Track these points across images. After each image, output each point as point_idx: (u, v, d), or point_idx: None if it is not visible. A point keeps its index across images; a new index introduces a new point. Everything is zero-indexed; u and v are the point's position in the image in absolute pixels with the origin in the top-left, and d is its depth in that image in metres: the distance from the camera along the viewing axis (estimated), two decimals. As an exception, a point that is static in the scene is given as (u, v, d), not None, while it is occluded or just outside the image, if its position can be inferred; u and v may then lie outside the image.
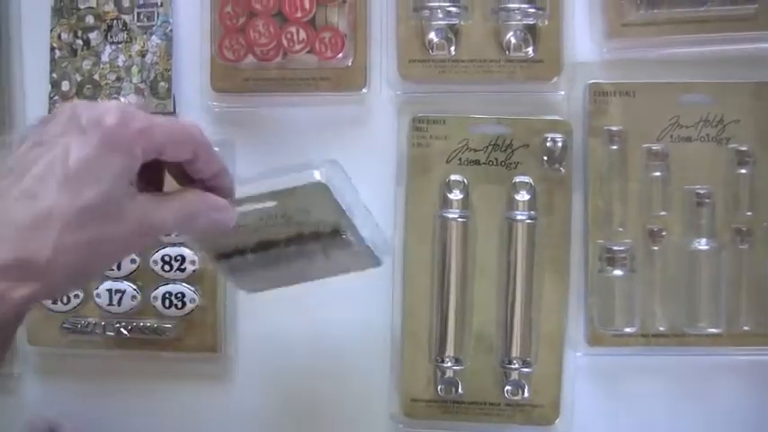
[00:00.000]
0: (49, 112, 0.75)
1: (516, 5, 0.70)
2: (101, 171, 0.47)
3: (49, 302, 0.74)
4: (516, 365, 0.71)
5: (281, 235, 0.61)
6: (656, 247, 0.71)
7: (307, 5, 0.70)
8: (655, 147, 0.71)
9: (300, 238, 0.61)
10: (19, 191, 0.46)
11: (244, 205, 0.58)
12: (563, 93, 0.72)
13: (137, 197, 0.50)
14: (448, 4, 0.70)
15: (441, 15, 0.71)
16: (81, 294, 0.74)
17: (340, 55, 0.71)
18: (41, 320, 0.75)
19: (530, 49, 0.71)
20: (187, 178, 0.54)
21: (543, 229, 0.71)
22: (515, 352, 0.71)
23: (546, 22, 0.71)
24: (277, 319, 0.75)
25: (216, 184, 0.54)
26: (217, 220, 0.54)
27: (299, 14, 0.70)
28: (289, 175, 0.60)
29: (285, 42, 0.70)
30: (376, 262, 0.65)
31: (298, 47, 0.70)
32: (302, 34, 0.70)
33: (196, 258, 0.73)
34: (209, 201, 0.53)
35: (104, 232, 0.48)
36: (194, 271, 0.74)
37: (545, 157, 0.71)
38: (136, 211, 0.49)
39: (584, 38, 0.72)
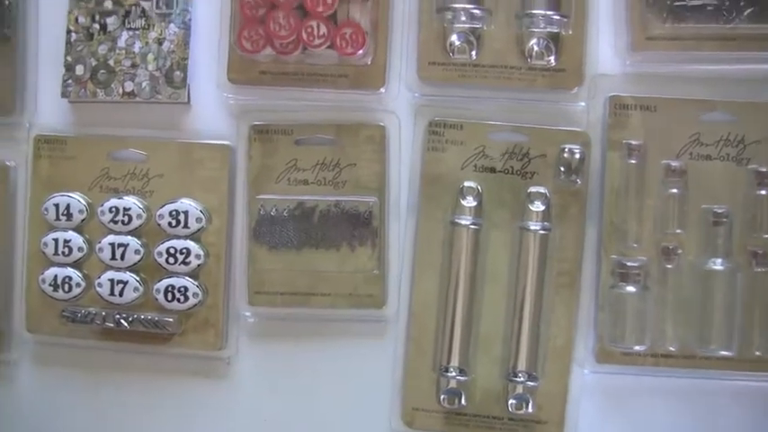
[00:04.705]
0: (62, 95, 0.74)
1: (541, 12, 0.69)
2: None
3: (50, 290, 0.73)
4: (522, 378, 0.70)
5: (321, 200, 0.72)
6: (670, 266, 0.69)
7: (329, 0, 0.69)
8: (674, 163, 0.69)
9: (335, 213, 0.72)
10: None
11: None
12: (583, 104, 0.71)
13: None
14: (471, 6, 0.70)
15: (464, 18, 0.70)
16: (83, 283, 0.73)
17: (360, 51, 0.70)
18: (41, 307, 0.74)
19: (552, 58, 0.70)
20: None
21: (556, 241, 0.70)
22: (521, 365, 0.70)
23: (570, 32, 0.70)
24: (280, 321, 0.74)
25: None
26: None
27: (320, 9, 0.69)
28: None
29: (305, 36, 0.69)
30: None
31: (318, 41, 0.70)
32: (323, 29, 0.69)
33: (201, 253, 0.72)
34: None
35: None
36: (199, 265, 0.72)
37: (562, 168, 0.70)
38: None
39: (607, 49, 0.71)
